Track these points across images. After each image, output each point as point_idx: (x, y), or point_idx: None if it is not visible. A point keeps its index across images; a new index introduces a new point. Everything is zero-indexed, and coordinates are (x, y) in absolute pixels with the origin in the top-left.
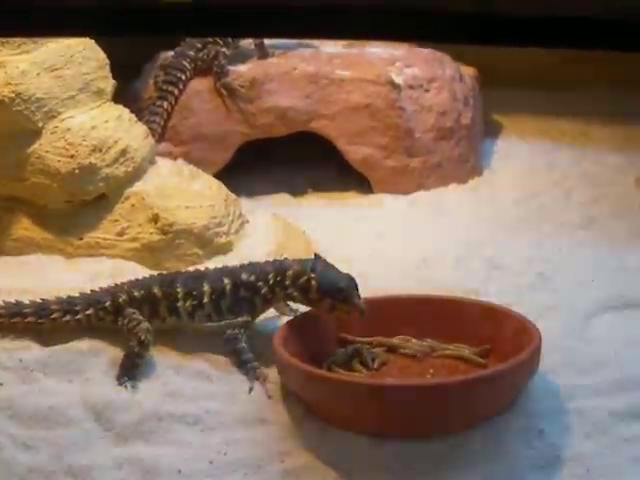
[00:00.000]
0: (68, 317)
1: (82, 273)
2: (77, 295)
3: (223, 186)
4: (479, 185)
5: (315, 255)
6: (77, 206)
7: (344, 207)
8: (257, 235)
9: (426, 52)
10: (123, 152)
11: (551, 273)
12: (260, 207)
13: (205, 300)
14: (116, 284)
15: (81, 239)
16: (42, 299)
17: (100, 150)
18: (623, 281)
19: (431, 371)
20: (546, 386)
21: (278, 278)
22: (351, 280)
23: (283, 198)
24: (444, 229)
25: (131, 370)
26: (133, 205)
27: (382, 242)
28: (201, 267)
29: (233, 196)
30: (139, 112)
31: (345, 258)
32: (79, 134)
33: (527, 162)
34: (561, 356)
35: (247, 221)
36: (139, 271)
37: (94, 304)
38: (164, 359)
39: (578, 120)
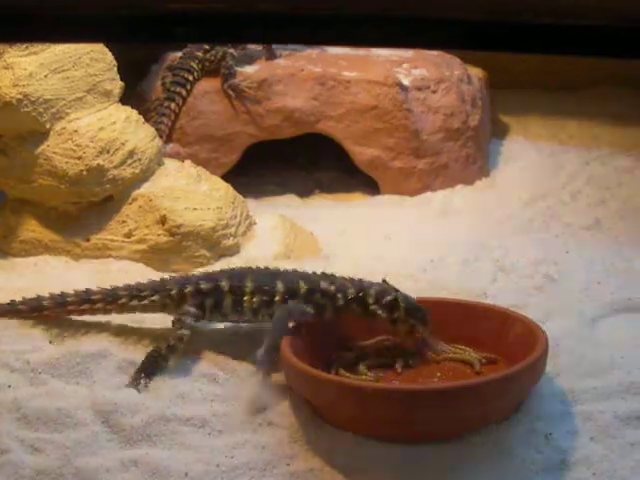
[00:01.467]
0: (135, 302)
1: (89, 274)
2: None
3: (231, 188)
4: (486, 186)
5: (383, 280)
6: (84, 207)
7: (351, 208)
8: (264, 236)
9: (434, 54)
10: (130, 154)
11: (558, 275)
12: (267, 208)
13: (277, 298)
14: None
15: (88, 240)
16: (112, 286)
17: (108, 152)
18: (630, 283)
19: (438, 374)
20: (553, 389)
21: (360, 294)
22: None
23: (290, 199)
24: (451, 230)
25: (150, 370)
26: (140, 207)
27: (389, 244)
28: (210, 269)
29: (240, 198)
30: (146, 113)
31: (352, 259)
32: (87, 135)
33: (534, 164)
34: (568, 359)
35: (254, 222)
36: (146, 273)
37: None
38: (171, 361)
39: (586, 122)
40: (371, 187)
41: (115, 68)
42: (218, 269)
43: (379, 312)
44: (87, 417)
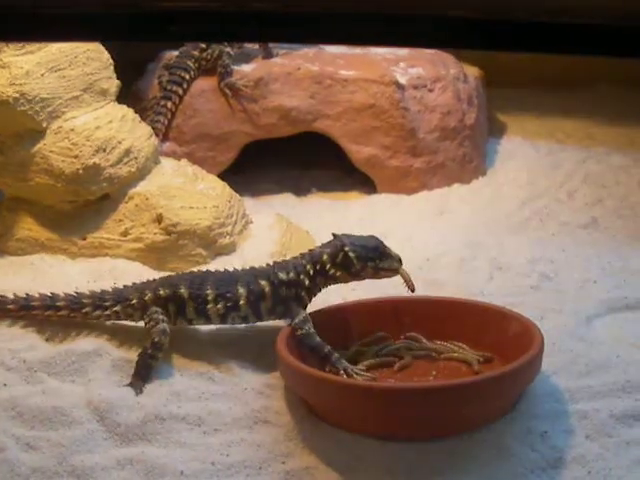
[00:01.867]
0: (99, 312)
1: (86, 273)
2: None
3: (227, 186)
4: (483, 185)
5: (333, 235)
6: (81, 206)
7: (348, 207)
8: (261, 235)
9: (430, 52)
10: (127, 152)
11: (554, 274)
12: (264, 207)
13: (241, 302)
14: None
15: (85, 239)
16: (76, 292)
17: (104, 150)
18: (626, 282)
19: (434, 373)
20: (548, 388)
21: (318, 267)
22: (376, 238)
23: (287, 198)
24: (447, 229)
25: (143, 371)
26: (137, 205)
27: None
28: (205, 268)
29: (237, 196)
30: (143, 112)
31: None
32: (83, 134)
33: (531, 162)
34: (563, 358)
35: (251, 221)
36: (143, 271)
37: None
38: (167, 360)
39: (582, 120)
40: (368, 186)
41: (112, 67)
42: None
43: (339, 274)
44: (83, 415)
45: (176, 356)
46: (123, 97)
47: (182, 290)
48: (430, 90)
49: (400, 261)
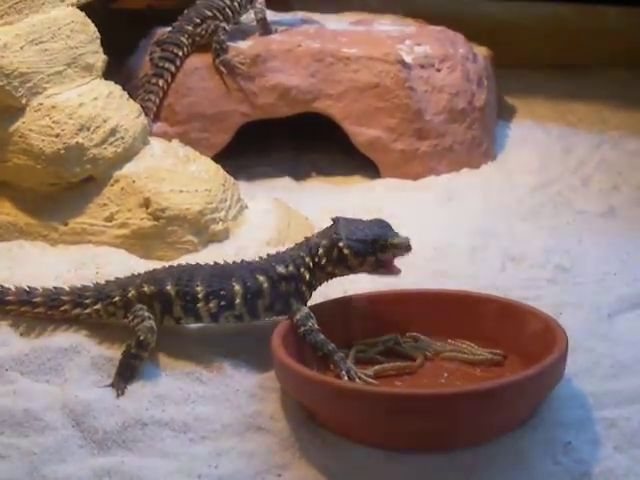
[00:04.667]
0: (78, 310)
1: (67, 261)
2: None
3: (221, 169)
4: (493, 170)
5: (332, 220)
6: (62, 189)
7: (349, 192)
8: (256, 221)
9: (438, 30)
10: (113, 131)
11: (571, 265)
12: (261, 192)
13: (237, 301)
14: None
15: (66, 225)
16: (55, 288)
17: (88, 129)
18: None
19: (445, 375)
20: (571, 393)
21: (316, 260)
22: (380, 224)
23: (285, 182)
24: (456, 217)
25: (126, 371)
26: (123, 188)
27: None
28: (197, 256)
29: (232, 180)
30: (134, 90)
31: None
32: (65, 112)
33: (543, 147)
34: (586, 359)
35: (246, 206)
36: (128, 260)
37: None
38: (151, 357)
39: (595, 104)
40: (371, 170)
41: (98, 40)
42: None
43: (337, 271)
44: (57, 420)
45: (160, 353)
46: (114, 75)
47: (168, 287)
48: (438, 69)
49: (408, 246)
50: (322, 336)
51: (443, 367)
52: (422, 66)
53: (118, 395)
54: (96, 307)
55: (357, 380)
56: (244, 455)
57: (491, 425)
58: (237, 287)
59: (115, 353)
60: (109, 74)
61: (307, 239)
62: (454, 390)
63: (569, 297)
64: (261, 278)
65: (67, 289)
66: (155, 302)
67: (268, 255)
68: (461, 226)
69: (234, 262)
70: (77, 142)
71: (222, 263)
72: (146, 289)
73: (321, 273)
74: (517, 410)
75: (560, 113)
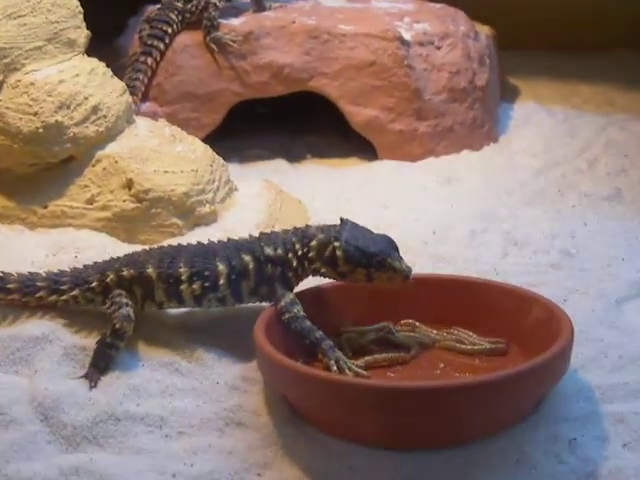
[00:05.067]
0: (54, 297)
1: (45, 246)
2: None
3: (209, 149)
4: (494, 152)
5: (341, 220)
6: (41, 170)
7: (345, 174)
8: (246, 204)
9: (438, 7)
10: (95, 110)
11: (576, 250)
12: (253, 174)
13: (221, 282)
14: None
15: (45, 207)
16: (30, 273)
17: (68, 107)
18: None
19: (441, 365)
20: (576, 385)
21: (305, 250)
22: (387, 242)
23: (279, 164)
24: (456, 200)
25: (101, 362)
26: (105, 169)
27: (387, 214)
28: (182, 240)
29: (220, 160)
30: (122, 70)
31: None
32: (44, 89)
33: (547, 129)
34: (593, 349)
35: (236, 188)
36: (109, 244)
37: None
38: (128, 348)
39: (601, 86)
40: (368, 152)
41: (81, 15)
42: (156, 246)
43: (324, 270)
44: (24, 414)
45: (138, 342)
46: (103, 55)
47: (149, 270)
48: (437, 47)
49: (407, 276)
50: (308, 323)
51: (440, 357)
52: (421, 44)
53: (91, 387)
54: (73, 293)
55: (347, 371)
56: (222, 452)
57: (488, 421)
58: (221, 267)
59: (90, 342)
60: (98, 53)
61: (306, 227)
62: (443, 383)
63: (574, 283)
64: (247, 258)
65: (43, 274)
66: (136, 286)
67: (260, 234)
68: (461, 209)
69: (219, 241)
70: (56, 120)
71: (206, 243)
72: (125, 273)
73: (307, 266)
74: (518, 405)
75: (565, 95)
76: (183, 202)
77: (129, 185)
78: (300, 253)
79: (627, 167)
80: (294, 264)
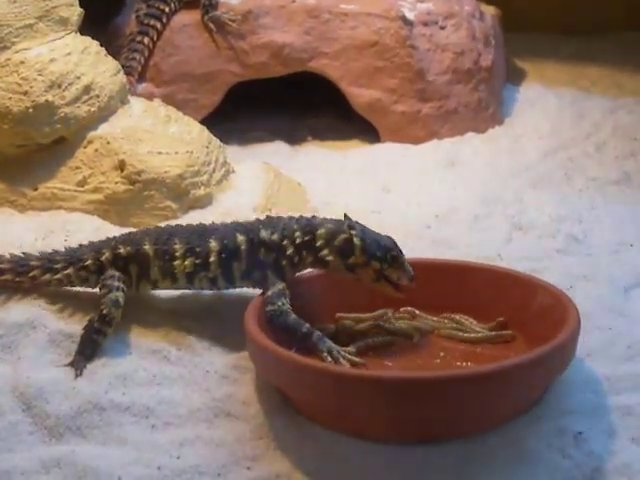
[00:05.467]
0: (48, 276)
1: (34, 229)
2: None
3: (206, 130)
4: (500, 135)
5: (345, 215)
6: (31, 151)
7: (347, 157)
8: (243, 186)
9: None
10: (87, 89)
11: (583, 235)
12: (252, 156)
13: (212, 259)
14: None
15: (36, 189)
16: (24, 253)
17: (59, 86)
18: None
19: (441, 354)
20: (583, 376)
21: (307, 238)
22: (394, 242)
23: (279, 147)
24: (459, 183)
25: (87, 349)
26: (97, 150)
27: (389, 197)
28: (177, 222)
29: (217, 142)
30: (119, 50)
31: (344, 213)
32: (35, 68)
33: (554, 112)
34: (600, 337)
35: (233, 171)
36: (101, 227)
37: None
38: (115, 334)
39: (609, 68)
40: (370, 135)
41: None
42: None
43: (331, 259)
44: (6, 403)
45: (126, 328)
46: (100, 35)
47: (146, 247)
48: (442, 27)
49: (412, 280)
50: (292, 317)
51: (440, 345)
52: (425, 23)
53: (77, 375)
54: (67, 272)
55: (341, 360)
56: (211, 444)
57: (489, 414)
58: (213, 244)
59: (76, 329)
60: (95, 33)
61: (312, 216)
62: (440, 374)
63: (581, 269)
64: (240, 238)
65: (37, 254)
66: (132, 265)
67: (265, 217)
68: (465, 193)
69: (222, 223)
70: (47, 100)
71: (207, 224)
72: (122, 250)
73: (310, 257)
74: (521, 396)
75: (572, 77)
76: (177, 184)
77: (121, 167)
78: (299, 241)
79: (636, 151)
80: (289, 252)
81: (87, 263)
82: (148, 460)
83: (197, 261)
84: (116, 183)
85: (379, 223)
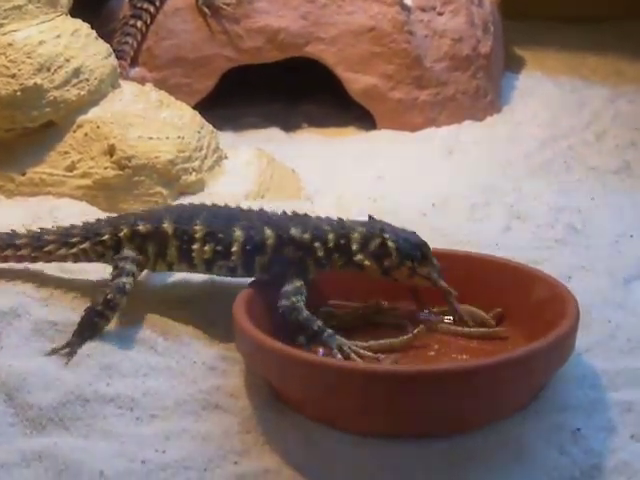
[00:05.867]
0: (64, 250)
1: (21, 215)
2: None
3: (198, 116)
4: (498, 123)
5: (369, 216)
6: (19, 136)
7: (343, 144)
8: (235, 173)
9: None
10: (76, 72)
11: (582, 225)
12: (246, 142)
13: (234, 249)
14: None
15: (24, 175)
16: (40, 228)
17: (48, 69)
18: None
19: (436, 347)
20: (581, 371)
21: (342, 242)
22: (420, 238)
23: (274, 133)
24: (457, 171)
25: (87, 331)
26: (86, 135)
27: (384, 185)
28: None
29: (210, 127)
30: (112, 34)
31: (339, 201)
32: (23, 50)
33: (553, 100)
34: (599, 330)
35: (225, 157)
36: (89, 212)
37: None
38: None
39: (609, 57)
40: (367, 122)
41: None
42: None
43: (367, 264)
44: None
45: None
46: (95, 17)
47: (166, 225)
48: (440, 13)
49: (440, 273)
50: (306, 314)
51: (434, 338)
52: (422, 9)
53: (69, 355)
54: (83, 246)
55: (353, 356)
56: (197, 438)
57: (484, 410)
58: (238, 233)
59: (62, 317)
60: (88, 17)
61: (339, 219)
62: (435, 368)
63: (580, 260)
64: (268, 232)
65: (53, 228)
66: (149, 243)
67: (292, 213)
68: (462, 181)
69: (249, 208)
70: (35, 83)
71: (232, 207)
72: (141, 227)
73: (342, 260)
74: (517, 392)
75: (572, 65)
76: (168, 170)
77: (111, 151)
78: (332, 245)
79: (636, 140)
80: (319, 253)
81: (104, 238)
82: (132, 454)
83: (218, 248)
84: (105, 168)
85: (374, 211)
